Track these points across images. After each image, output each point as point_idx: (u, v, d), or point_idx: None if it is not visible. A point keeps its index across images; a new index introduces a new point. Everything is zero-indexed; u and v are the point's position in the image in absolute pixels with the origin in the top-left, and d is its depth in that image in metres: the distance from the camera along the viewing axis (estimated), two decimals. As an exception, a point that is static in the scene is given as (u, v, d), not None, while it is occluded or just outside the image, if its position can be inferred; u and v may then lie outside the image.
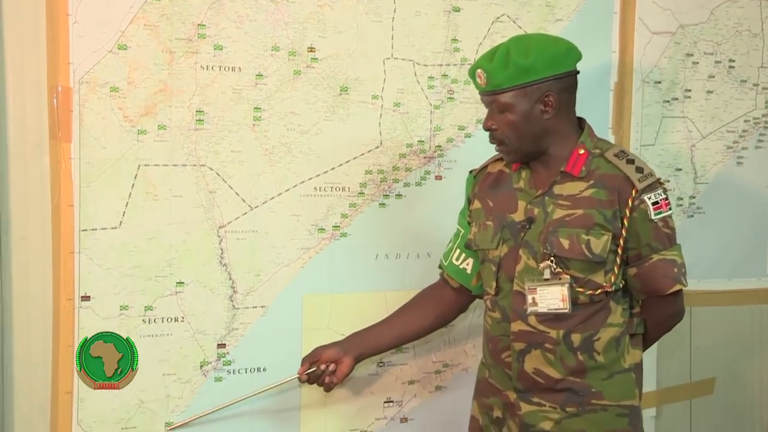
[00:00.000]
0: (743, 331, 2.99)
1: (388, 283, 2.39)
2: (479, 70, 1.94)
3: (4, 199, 2.03)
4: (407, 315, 2.18)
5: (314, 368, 2.08)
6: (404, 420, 2.45)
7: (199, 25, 2.14)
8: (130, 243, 2.11)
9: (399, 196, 2.41)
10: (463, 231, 2.17)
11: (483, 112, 2.36)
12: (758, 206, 2.87)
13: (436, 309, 2.18)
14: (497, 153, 2.09)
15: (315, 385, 2.10)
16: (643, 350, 2.04)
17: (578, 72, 1.99)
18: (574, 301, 1.92)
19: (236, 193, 2.21)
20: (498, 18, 2.46)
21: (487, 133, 2.00)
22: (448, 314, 2.21)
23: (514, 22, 2.48)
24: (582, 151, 1.97)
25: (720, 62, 2.78)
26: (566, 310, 1.91)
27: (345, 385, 2.33)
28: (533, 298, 1.93)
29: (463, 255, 2.15)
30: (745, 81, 2.83)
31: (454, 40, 2.43)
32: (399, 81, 2.37)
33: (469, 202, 2.15)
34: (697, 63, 2.76)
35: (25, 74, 2.03)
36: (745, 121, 2.84)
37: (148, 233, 2.13)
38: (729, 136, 2.82)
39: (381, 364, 2.42)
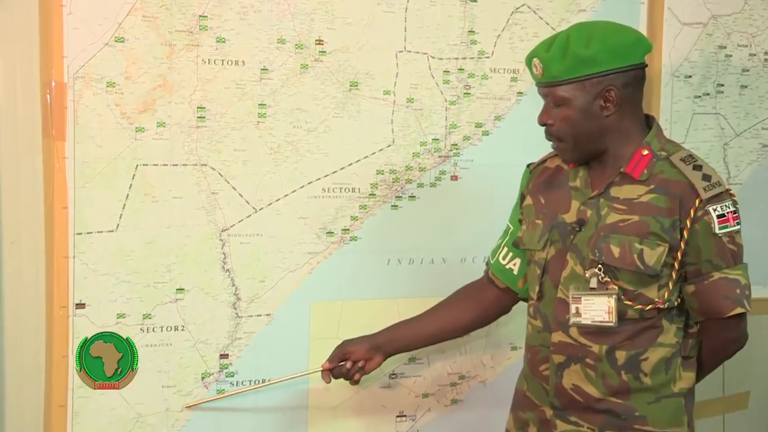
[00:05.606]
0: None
1: (400, 290, 2.38)
2: (535, 59, 1.85)
3: (-6, 200, 2.02)
4: (445, 311, 2.12)
5: (342, 364, 2.06)
6: (418, 435, 2.46)
7: (200, 16, 2.12)
8: (128, 247, 2.10)
9: (412, 197, 2.39)
10: (512, 228, 2.09)
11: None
12: (796, 209, 2.85)
13: (477, 308, 2.11)
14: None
15: (340, 379, 2.08)
16: (698, 379, 1.95)
17: (646, 65, 1.89)
18: (622, 316, 1.84)
19: (240, 194, 2.20)
20: (517, 8, 2.43)
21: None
22: (489, 314, 2.14)
23: (534, 12, 2.45)
24: (645, 152, 1.86)
25: (755, 55, 2.74)
26: (611, 324, 1.83)
27: (355, 398, 2.34)
28: (577, 308, 1.85)
29: (511, 254, 2.07)
30: (782, 74, 2.80)
31: (471, 32, 2.40)
32: (412, 75, 2.35)
33: (522, 197, 2.08)
34: (731, 56, 2.73)
35: (16, 69, 2.01)
36: (783, 117, 2.82)
37: (147, 237, 2.12)
38: (764, 133, 2.79)
39: (393, 376, 2.40)
